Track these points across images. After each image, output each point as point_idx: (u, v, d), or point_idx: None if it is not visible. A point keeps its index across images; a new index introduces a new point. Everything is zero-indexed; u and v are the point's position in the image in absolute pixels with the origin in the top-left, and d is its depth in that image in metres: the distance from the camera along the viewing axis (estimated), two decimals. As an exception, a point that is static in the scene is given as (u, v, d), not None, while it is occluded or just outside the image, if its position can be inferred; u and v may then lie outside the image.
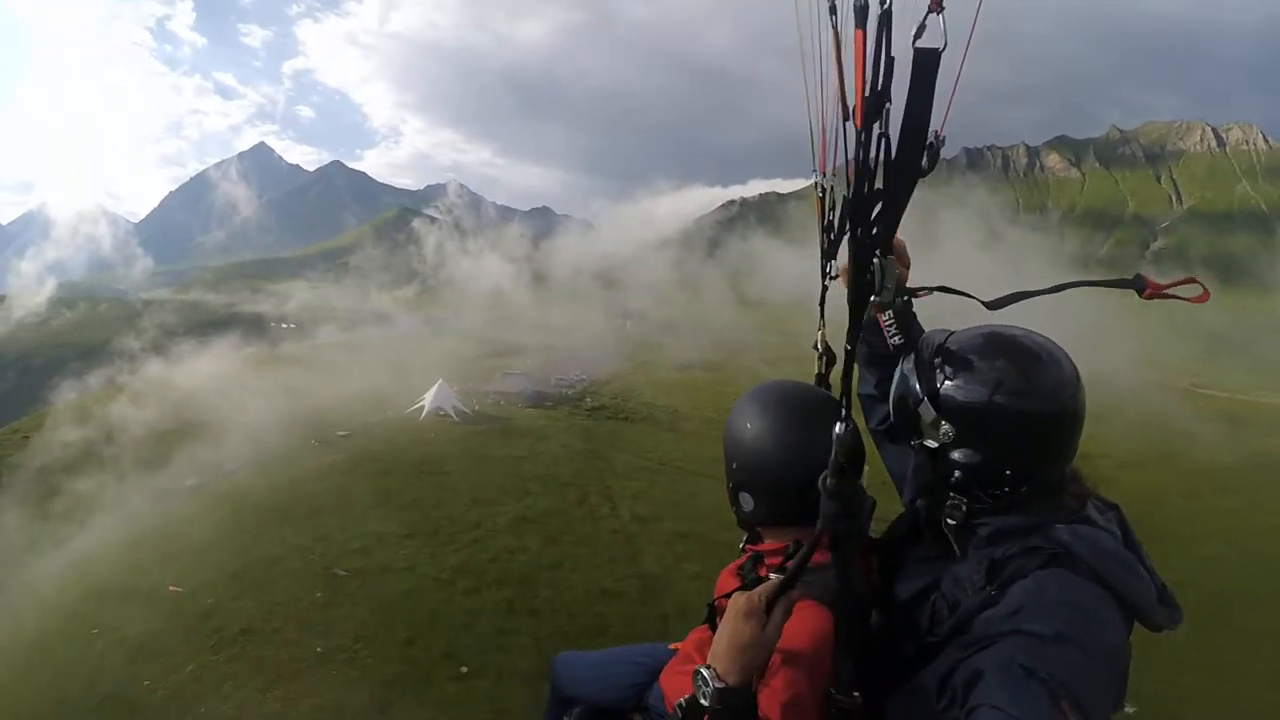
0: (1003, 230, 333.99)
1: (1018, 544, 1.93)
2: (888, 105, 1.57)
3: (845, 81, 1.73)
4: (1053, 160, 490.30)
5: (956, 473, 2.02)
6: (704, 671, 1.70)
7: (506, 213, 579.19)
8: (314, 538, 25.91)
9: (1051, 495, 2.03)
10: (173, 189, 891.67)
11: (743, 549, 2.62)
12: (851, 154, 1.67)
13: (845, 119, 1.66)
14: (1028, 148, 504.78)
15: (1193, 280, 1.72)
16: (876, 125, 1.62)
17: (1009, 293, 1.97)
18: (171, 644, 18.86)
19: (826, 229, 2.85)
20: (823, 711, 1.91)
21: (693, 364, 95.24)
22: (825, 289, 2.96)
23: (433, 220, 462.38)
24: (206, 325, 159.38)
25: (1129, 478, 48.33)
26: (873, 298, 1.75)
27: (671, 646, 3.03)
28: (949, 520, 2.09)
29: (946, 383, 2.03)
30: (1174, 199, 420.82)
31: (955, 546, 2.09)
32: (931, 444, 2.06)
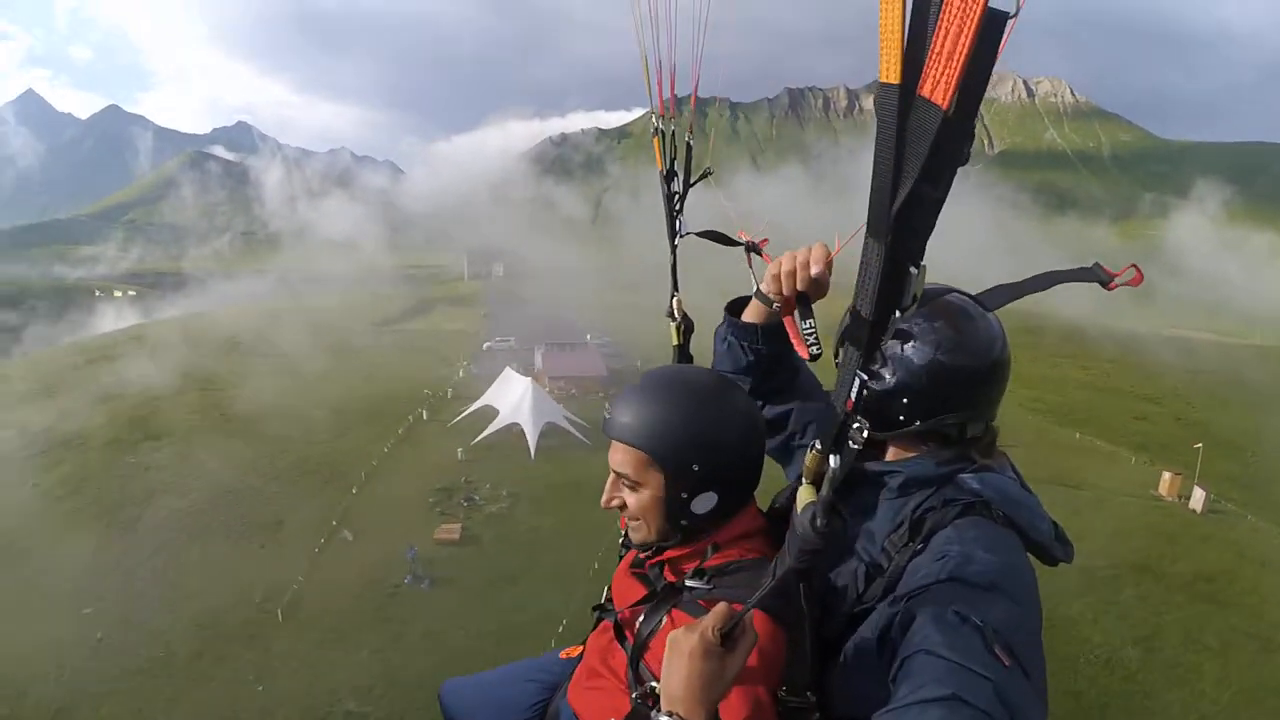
0: (831, 168, 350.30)
1: (932, 496, 1.99)
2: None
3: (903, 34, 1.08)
4: (871, 103, 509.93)
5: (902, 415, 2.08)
6: None
7: (304, 155, 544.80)
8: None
9: (969, 446, 2.09)
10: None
11: (623, 545, 2.50)
12: (887, 130, 1.13)
13: (896, 80, 1.07)
14: (848, 90, 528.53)
15: (1132, 266, 1.78)
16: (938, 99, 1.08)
17: (996, 287, 2.04)
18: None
19: (668, 178, 2.82)
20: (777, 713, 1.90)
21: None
22: (675, 249, 2.88)
23: (230, 165, 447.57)
24: (17, 301, 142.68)
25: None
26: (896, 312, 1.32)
27: (563, 655, 2.83)
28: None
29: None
30: (986, 143, 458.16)
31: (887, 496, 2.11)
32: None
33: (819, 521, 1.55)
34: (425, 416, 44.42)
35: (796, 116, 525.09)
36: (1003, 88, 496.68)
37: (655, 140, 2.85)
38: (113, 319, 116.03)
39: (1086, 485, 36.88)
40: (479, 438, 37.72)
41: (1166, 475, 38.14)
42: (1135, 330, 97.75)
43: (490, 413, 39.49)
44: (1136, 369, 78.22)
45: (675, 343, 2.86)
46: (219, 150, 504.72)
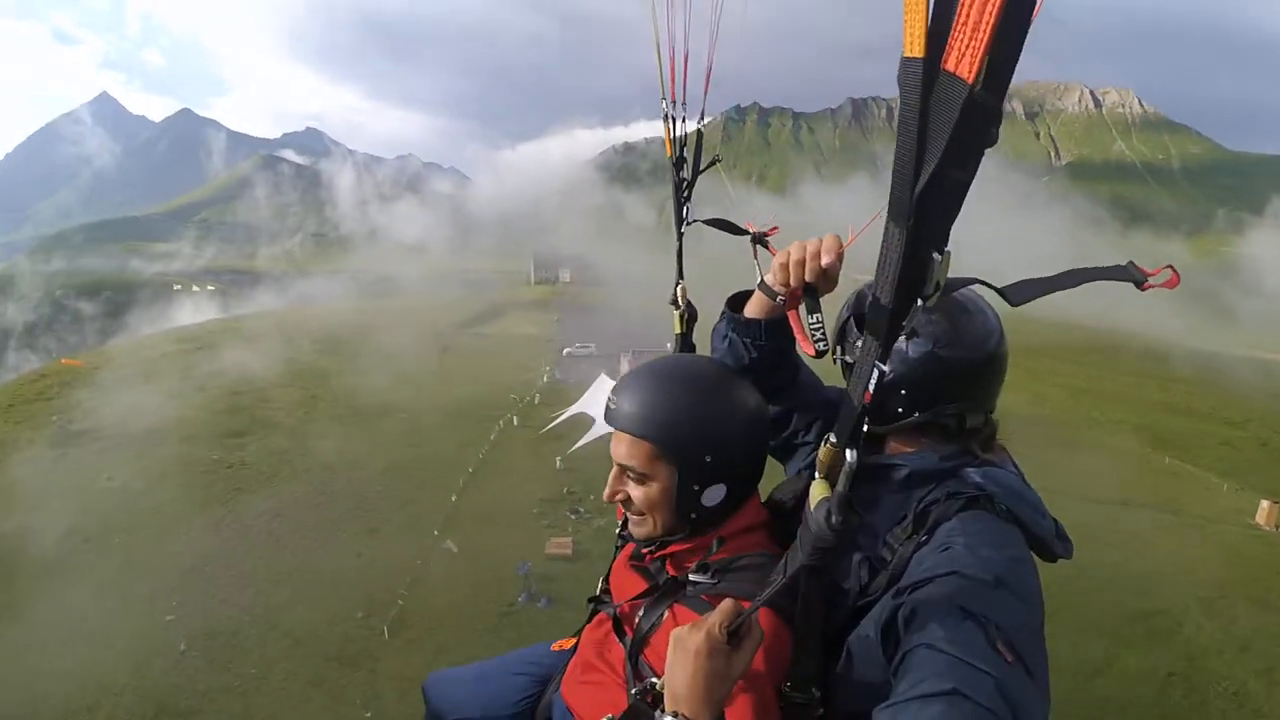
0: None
1: (936, 489, 2.00)
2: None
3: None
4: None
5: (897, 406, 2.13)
6: None
7: (373, 160, 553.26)
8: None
9: (969, 438, 2.12)
10: (9, 151, 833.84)
11: (621, 536, 2.49)
12: (897, 103, 1.10)
13: (920, 54, 1.00)
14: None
15: (1168, 267, 1.63)
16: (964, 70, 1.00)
17: (1022, 280, 1.83)
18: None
19: (677, 164, 2.86)
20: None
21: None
22: (681, 235, 2.90)
23: (301, 168, 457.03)
24: (94, 293, 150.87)
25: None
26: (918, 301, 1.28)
27: (554, 647, 2.84)
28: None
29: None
30: (1053, 154, 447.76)
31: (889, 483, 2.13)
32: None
33: (835, 518, 1.51)
34: (516, 423, 43.48)
35: (860, 126, 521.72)
36: (1069, 98, 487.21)
37: (666, 128, 2.84)
38: (191, 312, 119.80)
39: (1184, 511, 36.29)
40: (577, 445, 34.73)
41: (1265, 504, 37.42)
42: (1214, 350, 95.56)
43: (584, 420, 36.65)
44: (1217, 390, 75.96)
45: (678, 331, 2.86)
46: (290, 154, 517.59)
